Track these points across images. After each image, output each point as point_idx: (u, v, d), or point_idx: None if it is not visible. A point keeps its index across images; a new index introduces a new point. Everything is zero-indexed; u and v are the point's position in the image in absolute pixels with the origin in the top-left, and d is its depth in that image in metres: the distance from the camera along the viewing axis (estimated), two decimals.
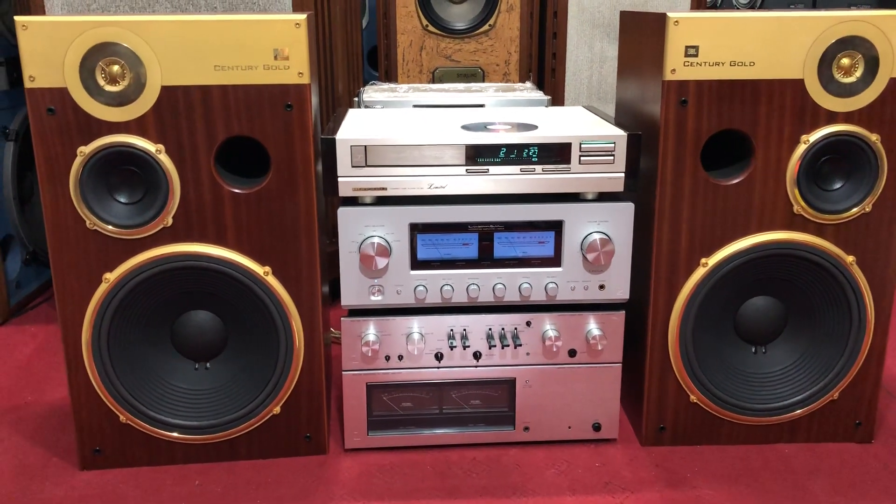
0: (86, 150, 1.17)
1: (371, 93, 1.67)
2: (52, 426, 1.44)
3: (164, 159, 1.18)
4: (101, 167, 1.18)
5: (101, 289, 1.22)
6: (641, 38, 1.34)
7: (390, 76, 2.23)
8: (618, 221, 1.27)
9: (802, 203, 1.27)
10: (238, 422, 1.30)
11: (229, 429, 1.30)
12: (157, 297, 1.25)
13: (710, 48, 1.21)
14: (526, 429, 1.37)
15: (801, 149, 1.25)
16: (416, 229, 1.27)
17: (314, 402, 1.31)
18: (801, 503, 1.23)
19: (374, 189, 1.25)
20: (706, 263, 1.29)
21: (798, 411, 1.35)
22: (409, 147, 1.23)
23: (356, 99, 1.66)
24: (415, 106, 1.59)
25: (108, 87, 1.15)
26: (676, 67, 1.22)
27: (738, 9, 3.14)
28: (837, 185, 1.28)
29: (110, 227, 1.20)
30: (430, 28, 2.18)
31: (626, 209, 1.27)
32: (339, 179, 1.24)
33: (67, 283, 1.22)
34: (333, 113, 1.87)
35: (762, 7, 2.99)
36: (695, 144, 1.25)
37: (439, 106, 1.58)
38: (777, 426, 1.37)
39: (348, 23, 1.97)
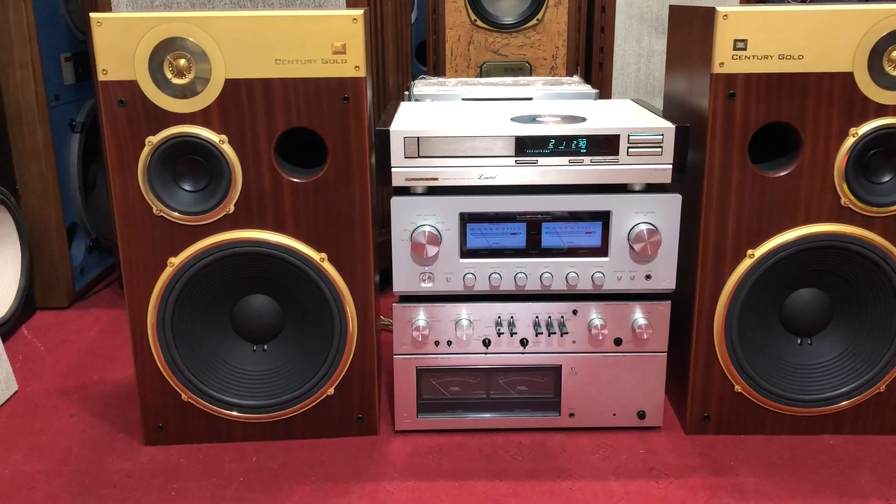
0: (154, 139, 1.23)
1: (421, 87, 1.71)
2: (117, 404, 1.52)
3: (227, 149, 1.24)
4: (168, 156, 1.24)
5: (166, 272, 1.28)
6: (690, 31, 1.36)
7: (438, 71, 2.27)
8: (665, 212, 1.29)
9: (850, 195, 1.27)
10: (293, 402, 1.35)
11: (285, 408, 1.35)
12: (219, 281, 1.31)
13: (758, 42, 1.23)
14: (571, 415, 1.40)
15: (849, 142, 1.26)
16: (466, 219, 1.30)
17: (366, 385, 1.36)
18: (847, 494, 1.24)
19: (426, 179, 1.29)
20: (752, 255, 1.30)
21: (844, 403, 1.36)
22: (461, 138, 1.27)
23: (406, 93, 1.70)
24: (464, 99, 1.63)
25: (176, 80, 1.21)
26: (725, 61, 1.24)
27: (787, 2, 3.11)
28: (886, 178, 1.29)
29: (175, 213, 1.26)
30: (479, 23, 2.21)
31: (674, 200, 1.29)
32: (393, 170, 1.28)
33: (134, 266, 1.29)
34: (385, 106, 1.91)
35: (812, 1, 2.96)
36: (742, 137, 1.26)
37: (488, 99, 1.61)
38: (822, 417, 1.38)
39: (398, 18, 2.01)
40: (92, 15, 1.19)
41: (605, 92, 2.27)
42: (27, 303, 1.89)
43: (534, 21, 2.21)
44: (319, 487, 1.26)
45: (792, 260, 1.31)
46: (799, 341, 1.38)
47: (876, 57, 1.23)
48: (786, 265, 1.31)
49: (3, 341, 1.74)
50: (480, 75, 2.25)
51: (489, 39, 2.23)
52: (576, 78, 1.82)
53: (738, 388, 1.36)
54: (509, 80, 1.81)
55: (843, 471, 1.29)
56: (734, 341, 1.33)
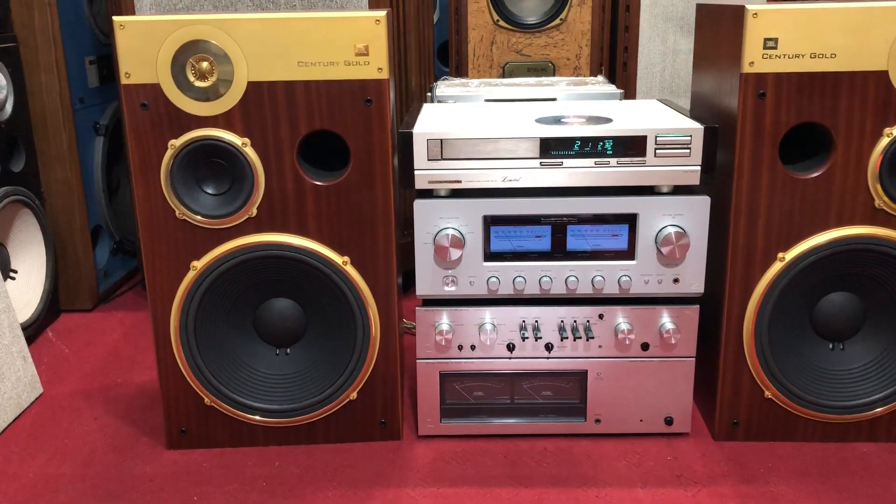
0: (176, 143, 1.23)
1: (443, 88, 1.70)
2: (140, 407, 1.52)
3: (250, 152, 1.23)
4: (191, 160, 1.24)
5: (189, 276, 1.28)
6: (719, 30, 1.33)
7: (461, 71, 2.25)
8: (693, 215, 1.27)
9: (885, 197, 1.24)
10: (316, 406, 1.34)
11: (308, 413, 1.34)
12: (242, 284, 1.30)
13: (789, 40, 1.20)
14: (597, 421, 1.37)
15: (884, 142, 1.22)
16: (490, 221, 1.29)
17: (389, 389, 1.35)
18: (882, 503, 1.21)
19: (450, 182, 1.27)
20: (783, 258, 1.27)
21: (878, 410, 1.33)
22: (484, 140, 1.25)
23: (429, 94, 1.68)
24: (487, 100, 1.61)
25: (198, 83, 1.21)
26: (755, 60, 1.21)
27: None
28: None
29: (198, 216, 1.25)
30: (501, 23, 2.19)
31: (702, 203, 1.26)
32: (416, 172, 1.26)
33: (157, 270, 1.28)
34: (408, 108, 1.90)
35: None
36: (773, 138, 1.24)
37: (511, 100, 1.60)
38: (855, 424, 1.35)
39: (421, 19, 2.00)
40: (114, 18, 1.19)
41: (629, 92, 2.24)
42: (52, 305, 1.90)
43: (557, 21, 2.19)
44: (342, 493, 1.25)
45: (824, 263, 1.28)
46: (831, 346, 1.35)
47: None
48: (817, 269, 1.28)
49: (29, 344, 1.75)
50: (503, 76, 2.23)
51: (512, 40, 2.21)
52: (600, 78, 1.80)
53: (768, 393, 1.33)
54: (532, 80, 1.79)
55: (879, 480, 1.26)
56: (764, 346, 1.31)
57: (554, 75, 2.22)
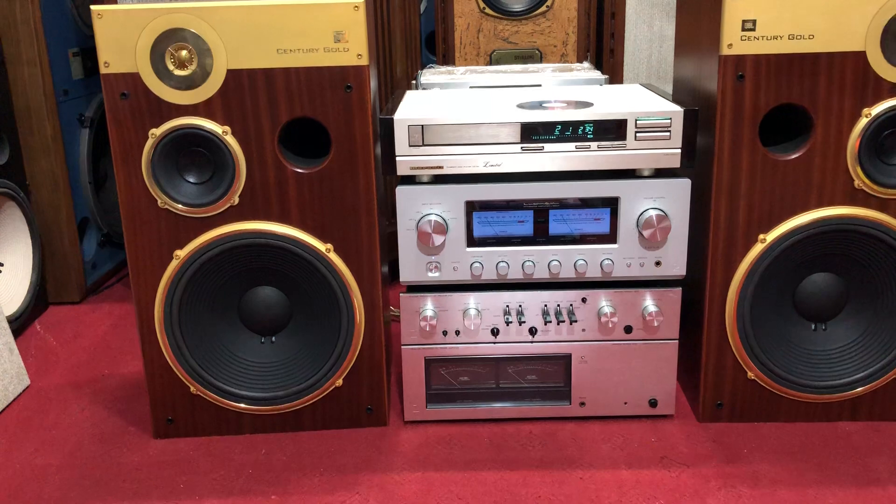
0: (157, 132, 1.23)
1: (429, 75, 1.70)
2: (127, 397, 1.52)
3: (231, 140, 1.23)
4: (172, 149, 1.24)
5: (173, 265, 1.28)
6: (698, 13, 1.33)
7: (448, 60, 2.25)
8: (674, 198, 1.27)
9: (864, 178, 1.25)
10: (302, 393, 1.34)
11: (294, 400, 1.35)
12: (225, 273, 1.30)
13: (768, 22, 1.20)
14: (582, 404, 1.38)
15: (862, 122, 1.23)
16: (472, 207, 1.29)
17: (375, 375, 1.36)
18: (863, 481, 1.22)
19: (431, 168, 1.28)
20: (764, 239, 1.28)
21: (860, 389, 1.34)
22: (465, 126, 1.25)
23: (414, 82, 1.68)
24: (471, 87, 1.61)
25: (178, 72, 1.21)
26: (733, 42, 1.21)
27: None
28: None
29: (180, 205, 1.25)
30: (488, 11, 2.19)
31: (683, 185, 1.27)
32: (397, 158, 1.27)
33: (140, 259, 1.28)
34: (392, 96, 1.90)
35: None
36: (752, 120, 1.24)
37: (496, 87, 1.59)
38: (838, 404, 1.36)
39: (407, 8, 1.99)
40: (92, 7, 1.18)
41: (617, 78, 2.25)
42: (40, 298, 1.90)
43: (543, 8, 2.19)
44: (328, 479, 1.25)
45: (805, 244, 1.28)
46: (813, 327, 1.36)
47: (889, 35, 1.20)
48: (798, 249, 1.29)
49: (16, 336, 1.75)
50: (490, 64, 2.23)
51: (498, 27, 2.21)
52: (585, 64, 1.80)
53: (751, 374, 1.34)
54: (518, 67, 1.79)
55: (860, 458, 1.27)
56: (747, 327, 1.31)
57: (541, 62, 2.22)
